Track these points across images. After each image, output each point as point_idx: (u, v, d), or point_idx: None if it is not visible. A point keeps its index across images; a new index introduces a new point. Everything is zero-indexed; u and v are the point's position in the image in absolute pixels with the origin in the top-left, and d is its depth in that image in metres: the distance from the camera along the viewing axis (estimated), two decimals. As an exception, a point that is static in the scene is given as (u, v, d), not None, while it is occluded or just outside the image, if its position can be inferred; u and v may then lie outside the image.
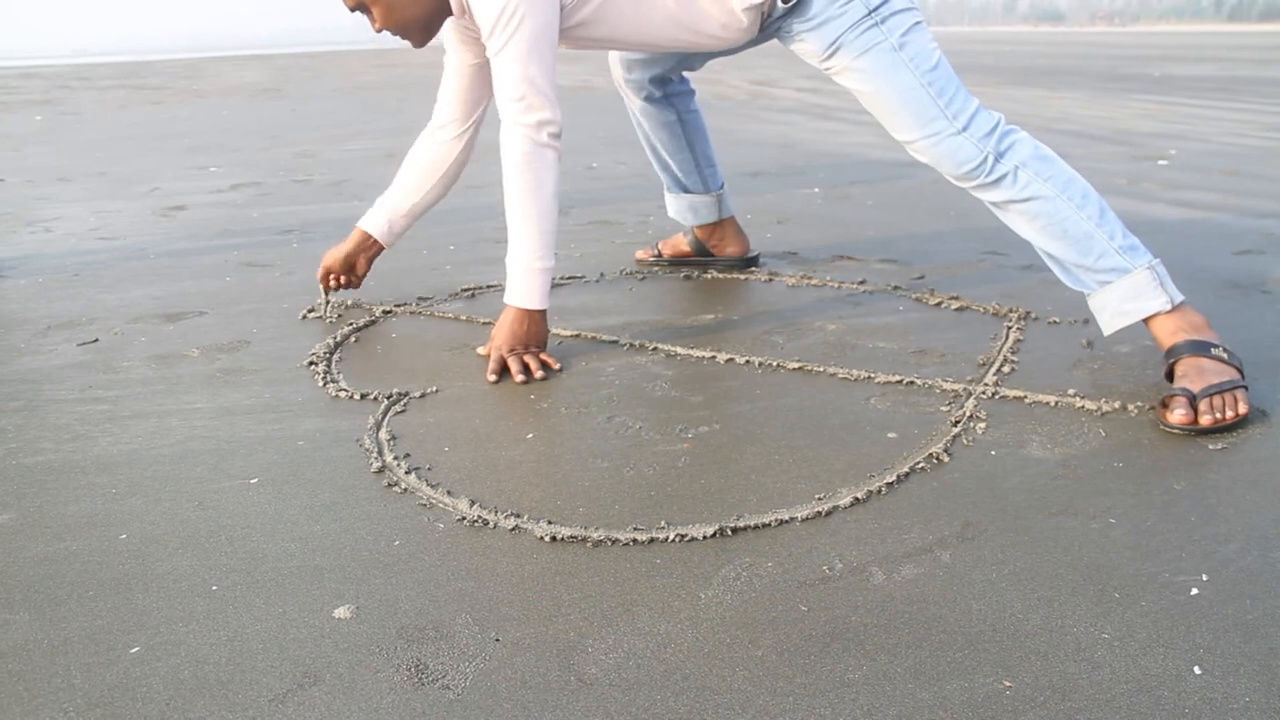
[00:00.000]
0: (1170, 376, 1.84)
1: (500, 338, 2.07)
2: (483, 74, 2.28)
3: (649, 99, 2.62)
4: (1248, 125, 6.41)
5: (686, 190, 2.77)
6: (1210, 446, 1.65)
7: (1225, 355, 1.80)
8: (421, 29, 2.04)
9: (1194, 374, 1.77)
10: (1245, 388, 1.76)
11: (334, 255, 2.48)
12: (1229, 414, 1.70)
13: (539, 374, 2.03)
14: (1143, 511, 1.45)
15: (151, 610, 1.25)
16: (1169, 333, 1.87)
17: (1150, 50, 16.85)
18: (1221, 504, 1.47)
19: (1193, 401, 1.71)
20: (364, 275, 2.52)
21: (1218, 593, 1.25)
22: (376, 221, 2.45)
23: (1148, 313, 1.88)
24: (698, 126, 2.71)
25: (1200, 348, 1.82)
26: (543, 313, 2.08)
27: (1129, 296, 1.89)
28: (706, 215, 2.80)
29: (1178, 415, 1.70)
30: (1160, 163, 4.70)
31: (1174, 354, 1.84)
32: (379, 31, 2.00)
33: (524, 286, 2.05)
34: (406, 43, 2.09)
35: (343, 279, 2.51)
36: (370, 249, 2.47)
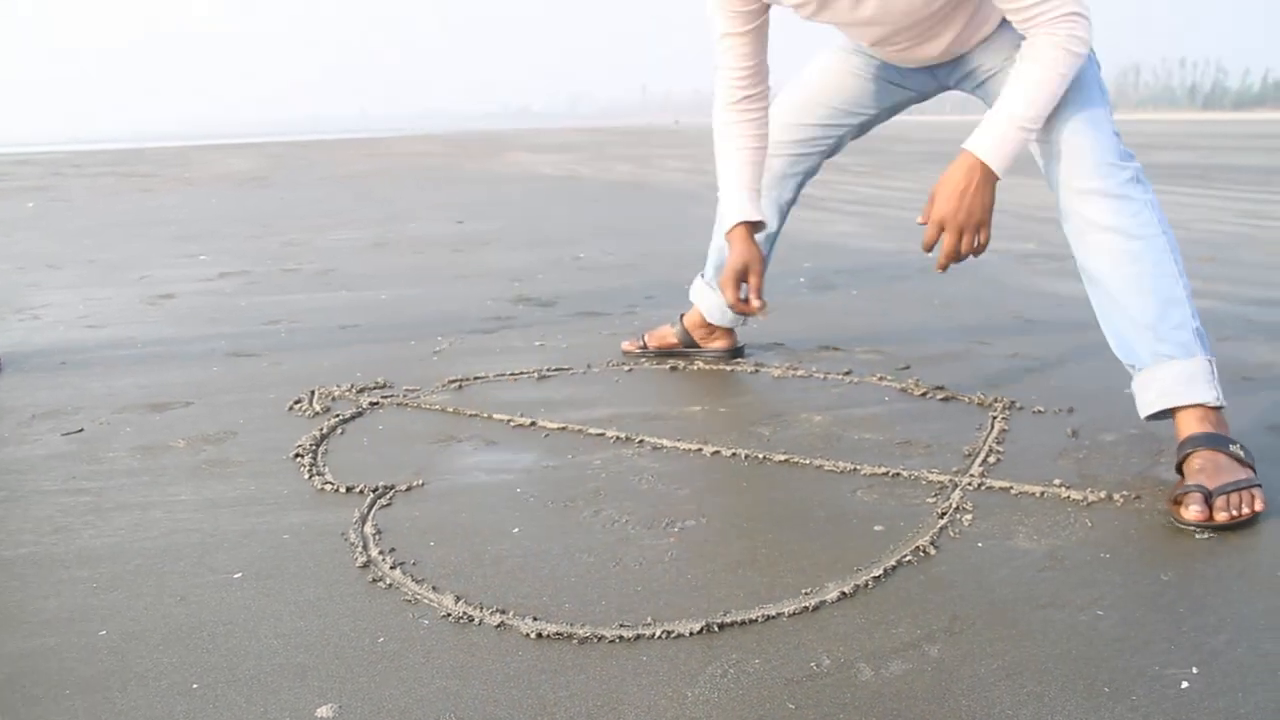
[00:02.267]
0: (1180, 468, 1.81)
1: (943, 203, 1.93)
2: (758, 39, 2.23)
3: (780, 209, 2.64)
4: (1224, 212, 6.52)
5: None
6: (1198, 536, 1.66)
7: (1241, 453, 1.79)
8: None
9: (1211, 469, 1.75)
10: (1260, 485, 1.74)
11: (743, 261, 2.30)
12: (1245, 510, 1.69)
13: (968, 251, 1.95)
14: (1131, 603, 1.44)
15: (130, 710, 1.23)
16: (1191, 425, 1.84)
17: (1128, 138, 17.09)
18: (1210, 595, 1.47)
19: (1208, 498, 1.70)
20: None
21: (1209, 686, 1.24)
22: (753, 206, 2.32)
23: (1197, 400, 1.84)
24: (776, 243, 2.73)
25: (1219, 442, 1.80)
26: (993, 183, 1.93)
27: (1185, 380, 1.86)
28: (732, 321, 2.80)
29: (1192, 512, 1.68)
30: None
31: (1191, 445, 1.81)
32: None
33: (998, 139, 1.90)
34: None
35: (754, 287, 2.32)
36: (756, 234, 2.36)
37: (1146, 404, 1.92)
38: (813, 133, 2.50)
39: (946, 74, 2.26)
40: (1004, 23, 2.08)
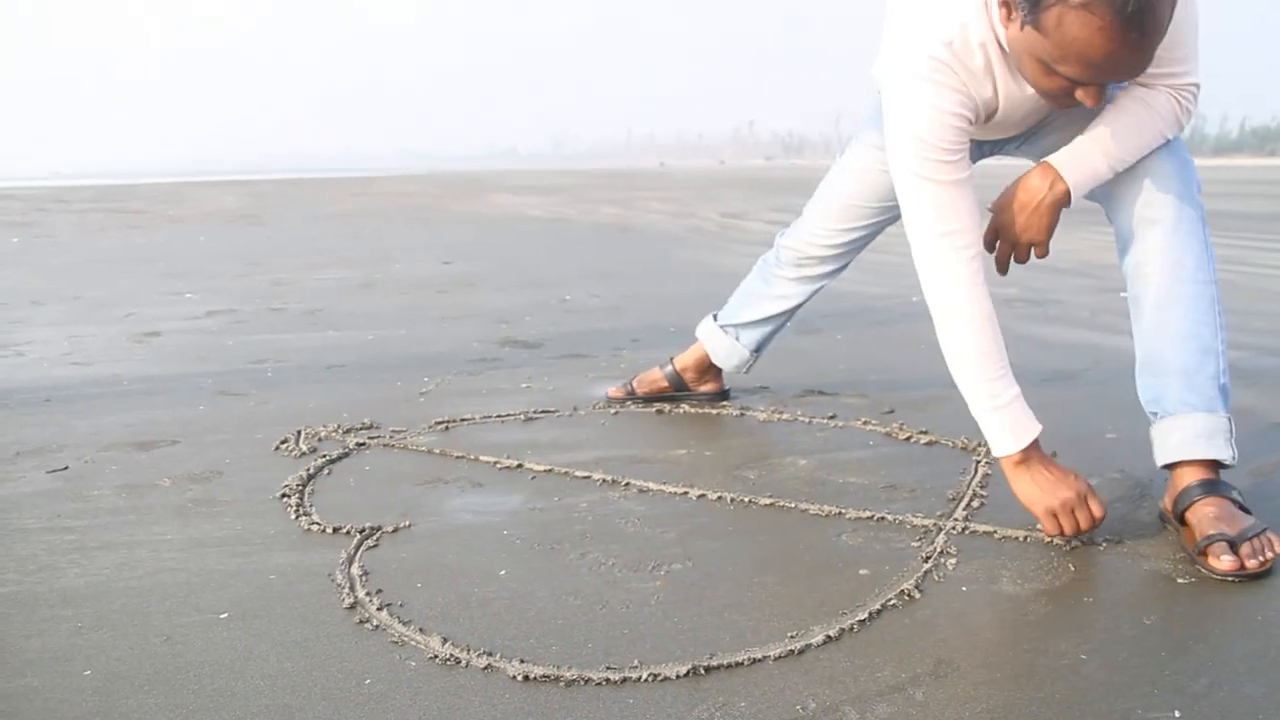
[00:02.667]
0: (1183, 516, 1.80)
1: (1006, 214, 1.88)
2: (969, 186, 1.83)
3: (819, 277, 2.57)
4: (1206, 262, 6.58)
5: (739, 340, 2.73)
6: (1179, 580, 1.67)
7: (1241, 500, 1.80)
8: None
9: (1226, 518, 1.74)
10: (1269, 528, 1.74)
11: (1073, 478, 1.82)
12: (1268, 555, 1.69)
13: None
14: (1114, 646, 1.45)
15: (115, 751, 1.23)
16: (1195, 474, 1.84)
17: (1110, 187, 17.26)
18: (1192, 638, 1.48)
19: (1232, 545, 1.70)
20: None
21: (1190, 733, 1.25)
22: (1029, 420, 1.88)
23: (1214, 455, 1.83)
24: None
25: (1225, 489, 1.80)
26: (1061, 207, 1.84)
27: (1206, 434, 1.84)
28: (738, 367, 2.78)
29: (1227, 562, 1.67)
30: (1122, 295, 4.81)
31: (1199, 491, 1.79)
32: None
33: (1085, 167, 1.81)
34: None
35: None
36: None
37: (1165, 452, 1.89)
38: (858, 233, 2.43)
39: (992, 146, 2.15)
40: None
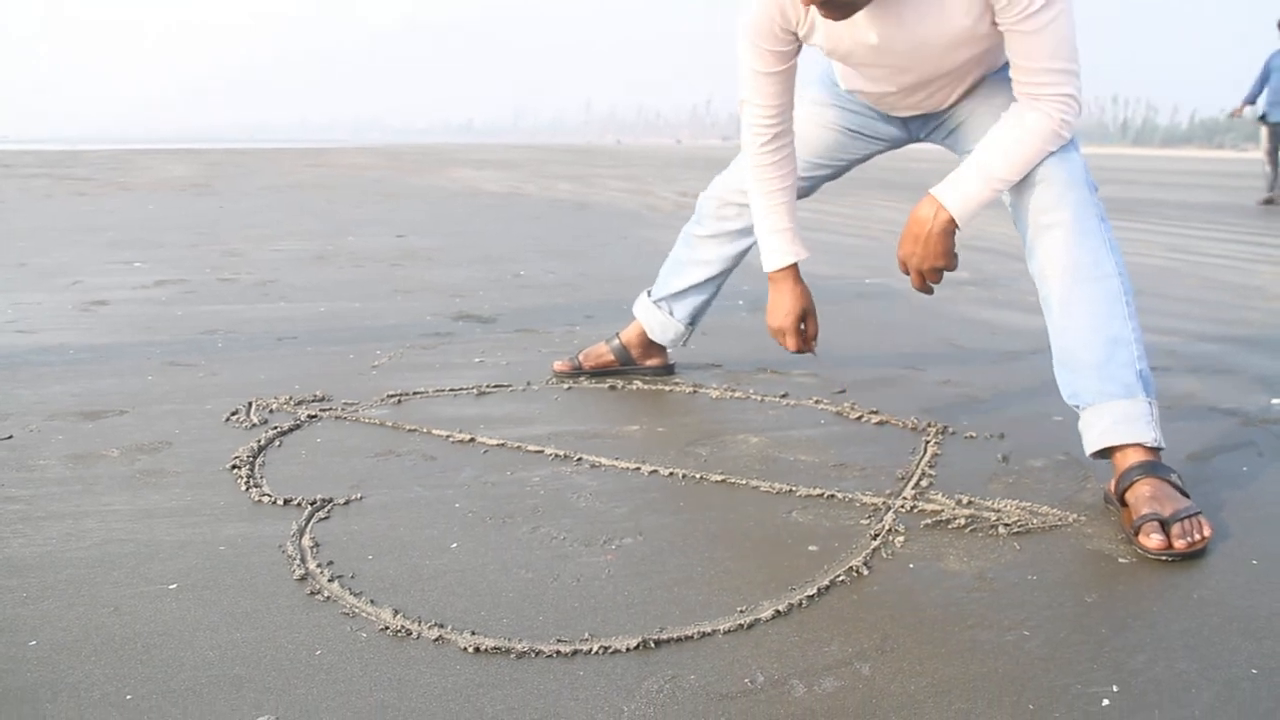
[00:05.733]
0: (1123, 497, 1.85)
1: (905, 245, 2.03)
2: (792, 75, 2.16)
3: (738, 234, 2.66)
4: (1150, 245, 6.68)
5: (673, 315, 2.79)
6: (1121, 560, 1.71)
7: (1179, 482, 1.84)
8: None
9: (1161, 498, 1.79)
10: (1202, 512, 1.78)
11: (801, 304, 2.37)
12: (1197, 537, 1.73)
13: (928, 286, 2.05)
14: (1056, 624, 1.48)
15: (62, 721, 1.22)
16: (1132, 456, 1.88)
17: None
18: (1131, 616, 1.51)
19: (1164, 525, 1.74)
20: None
21: (1128, 703, 1.28)
22: (798, 245, 2.34)
23: (1134, 439, 1.88)
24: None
25: (1161, 470, 1.85)
26: (954, 230, 1.99)
27: (1125, 419, 1.90)
28: (673, 342, 2.85)
29: (1156, 541, 1.72)
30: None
31: (1137, 473, 1.84)
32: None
33: (967, 193, 1.95)
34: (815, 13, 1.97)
35: (812, 331, 2.41)
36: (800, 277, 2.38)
37: (1089, 443, 1.96)
38: None
39: (919, 126, 2.30)
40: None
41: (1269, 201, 11.02)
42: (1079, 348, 1.95)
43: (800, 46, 2.11)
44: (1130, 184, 16.03)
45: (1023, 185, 1.98)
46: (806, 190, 2.57)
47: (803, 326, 2.38)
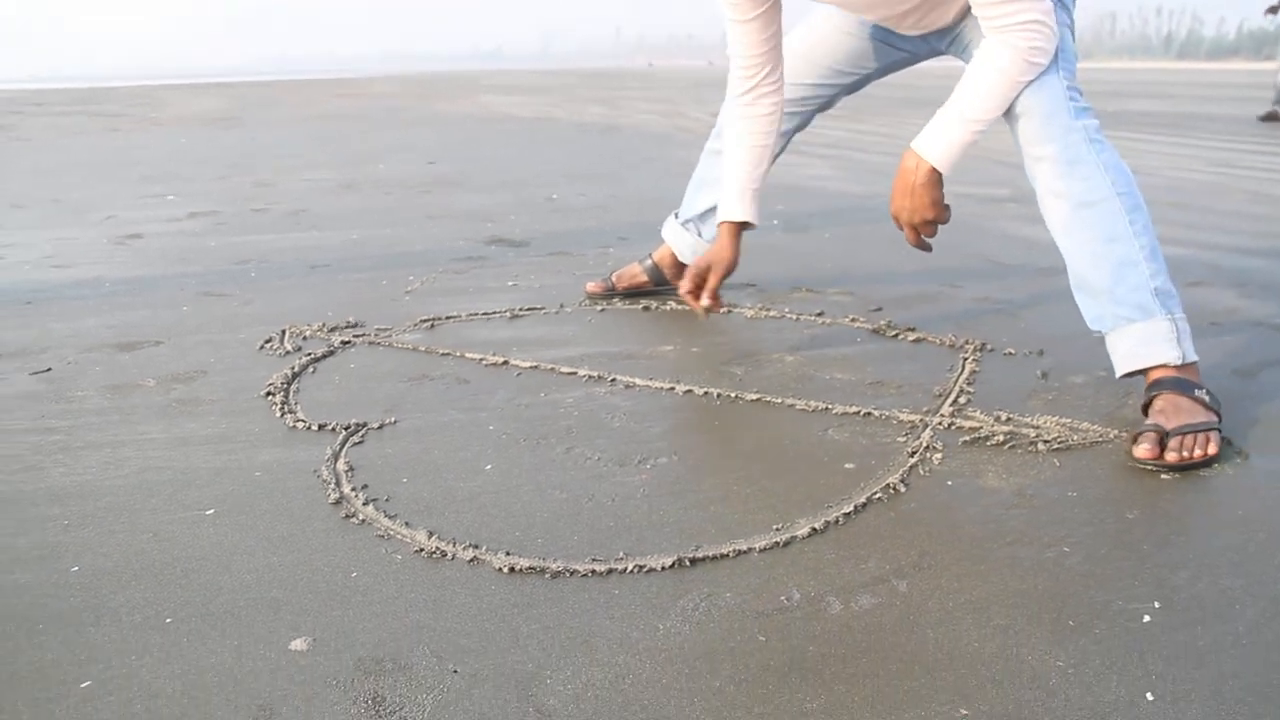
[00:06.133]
0: (1146, 410, 1.84)
1: (895, 200, 2.01)
2: (768, 24, 2.16)
3: (789, 130, 2.60)
4: (1195, 160, 6.54)
5: (700, 236, 2.76)
6: (1163, 476, 1.68)
7: (1206, 398, 1.81)
8: None
9: (1171, 411, 1.78)
10: (1219, 431, 1.76)
11: (713, 259, 2.32)
12: (1197, 453, 1.71)
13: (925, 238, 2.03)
14: (1097, 540, 1.47)
15: (103, 644, 1.24)
16: (1159, 373, 1.87)
17: (1103, 86, 17.16)
18: (1174, 532, 1.49)
19: (1163, 438, 1.73)
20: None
21: (1169, 620, 1.27)
22: (746, 206, 2.31)
23: (1156, 361, 1.87)
24: None
25: (1183, 386, 1.82)
26: (939, 179, 1.97)
27: (1144, 341, 1.88)
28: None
29: (1143, 449, 1.72)
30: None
31: (1155, 389, 1.85)
32: None
33: (945, 140, 1.93)
34: None
35: (711, 286, 2.32)
36: (739, 239, 2.36)
37: (1116, 367, 1.95)
38: (806, 92, 2.49)
39: (939, 39, 2.24)
40: None
41: (1271, 117, 10.48)
42: (1089, 275, 1.92)
43: None
44: (1175, 98, 15.68)
45: (1009, 118, 1.95)
46: (824, 105, 2.54)
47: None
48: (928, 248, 2.07)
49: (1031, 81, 1.89)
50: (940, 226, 2.02)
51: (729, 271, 2.33)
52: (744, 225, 2.33)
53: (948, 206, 2.00)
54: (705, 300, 2.30)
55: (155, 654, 1.22)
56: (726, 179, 2.32)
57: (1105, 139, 1.94)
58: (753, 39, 2.17)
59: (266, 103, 16.16)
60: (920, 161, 1.95)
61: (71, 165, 6.80)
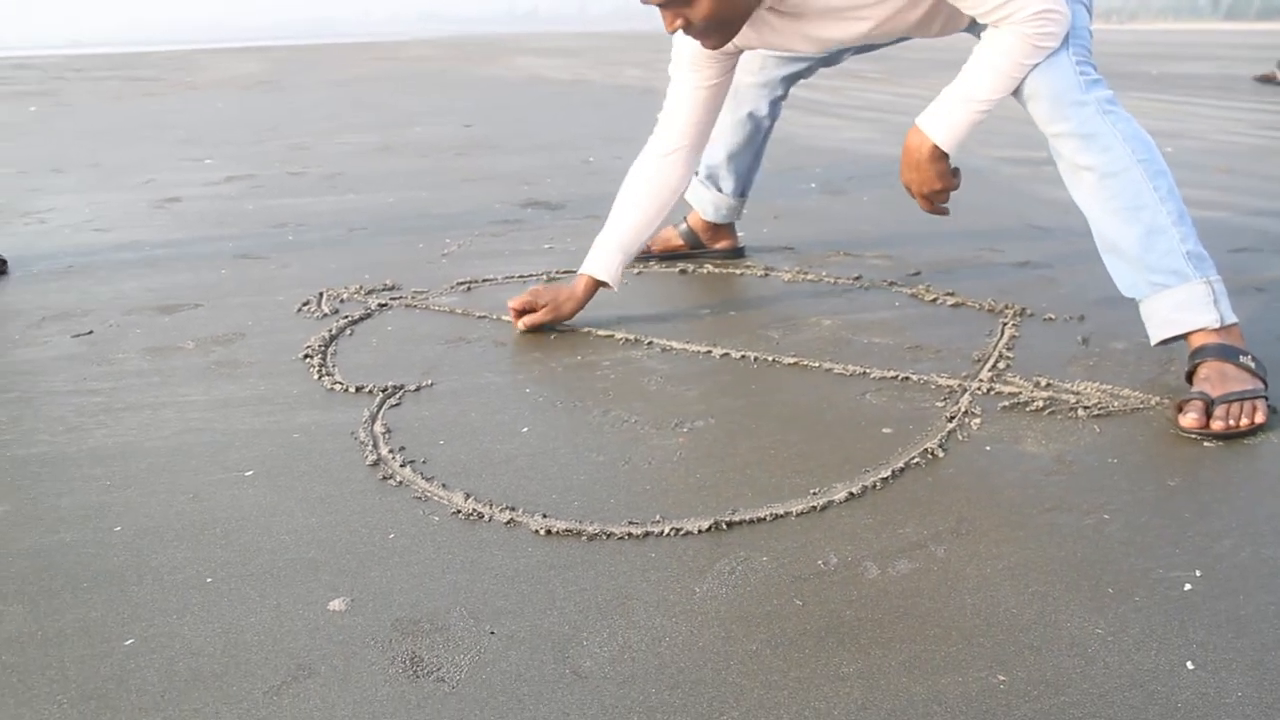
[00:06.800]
0: (1190, 379, 1.82)
1: (904, 172, 1.99)
2: (717, 95, 2.22)
3: (772, 102, 2.63)
4: (1243, 124, 6.42)
5: (720, 189, 2.76)
6: (1206, 444, 1.66)
7: (1252, 365, 1.79)
8: (738, 24, 1.91)
9: (1216, 379, 1.76)
10: (1266, 399, 1.74)
11: (562, 310, 2.28)
12: (1244, 421, 1.69)
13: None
14: (1137, 508, 1.45)
15: (146, 603, 1.26)
16: (1201, 339, 1.85)
17: (1148, 48, 16.84)
18: (1216, 500, 1.47)
19: (1209, 406, 1.71)
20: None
21: (1211, 589, 1.25)
22: (610, 266, 2.28)
23: (1194, 326, 1.84)
24: (770, 136, 2.73)
25: (1227, 353, 1.80)
26: (944, 155, 1.93)
27: (1180, 306, 1.85)
28: (727, 216, 2.81)
29: (1190, 419, 1.69)
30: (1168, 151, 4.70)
31: (1199, 356, 1.82)
32: (679, 29, 1.86)
33: (950, 121, 1.90)
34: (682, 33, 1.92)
35: (529, 322, 2.27)
36: (591, 295, 2.32)
37: (1152, 334, 1.92)
38: (779, 68, 2.52)
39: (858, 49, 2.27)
40: None
41: (1267, 78, 10.04)
42: (1119, 243, 1.89)
43: (739, 53, 2.19)
44: (1224, 60, 15.38)
45: (1021, 99, 1.91)
46: (828, 60, 2.51)
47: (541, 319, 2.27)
48: (944, 212, 2.05)
49: (1039, 63, 1.86)
50: (954, 198, 2.00)
51: (557, 320, 2.28)
52: (601, 284, 2.30)
53: (957, 172, 1.97)
54: (521, 325, 2.26)
55: (196, 613, 1.23)
56: (609, 231, 2.31)
57: (1120, 108, 1.90)
58: (697, 109, 2.21)
59: (302, 66, 16.17)
60: (924, 139, 1.92)
61: (110, 129, 6.85)
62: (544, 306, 2.26)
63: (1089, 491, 1.51)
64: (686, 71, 2.18)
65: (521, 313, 2.27)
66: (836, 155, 4.91)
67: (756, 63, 2.56)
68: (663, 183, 2.29)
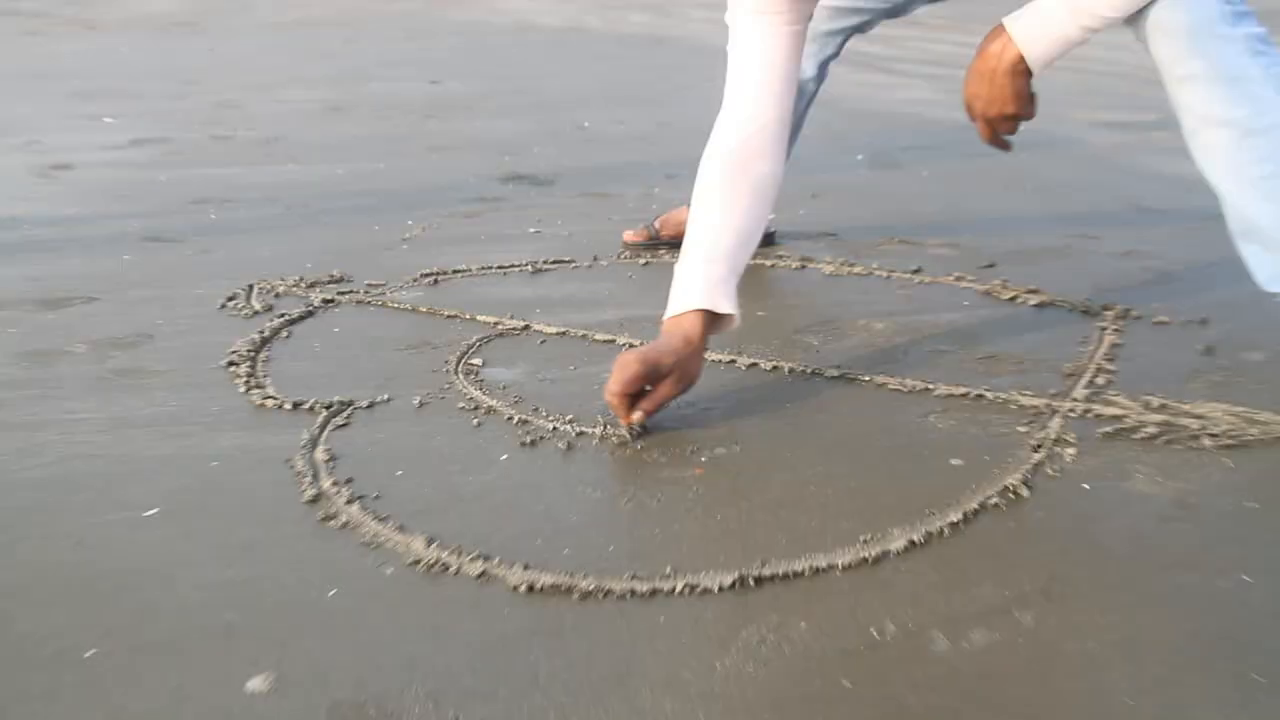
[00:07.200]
0: None
1: (970, 83, 1.93)
2: (798, 44, 2.03)
3: (821, 62, 2.65)
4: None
5: None
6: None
7: None
8: None
9: None
10: None
11: (688, 369, 1.86)
12: None
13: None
14: (1285, 567, 1.43)
15: (4, 682, 1.23)
16: None
17: None
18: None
19: None
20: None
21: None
22: (727, 290, 1.90)
23: None
24: (815, 101, 2.76)
25: None
26: (1027, 71, 1.86)
27: None
28: None
29: None
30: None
31: None
32: None
33: (1046, 29, 1.82)
34: None
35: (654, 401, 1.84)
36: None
37: None
38: (835, 21, 2.54)
39: None
40: None
41: None
42: (1260, 220, 1.85)
43: None
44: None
45: (1140, 31, 1.84)
46: (895, 10, 2.53)
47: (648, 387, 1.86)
48: (1006, 146, 2.00)
49: None
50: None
51: (688, 385, 1.89)
52: (720, 318, 1.92)
53: (1034, 97, 1.92)
54: (638, 415, 1.82)
55: (70, 696, 1.21)
56: (699, 246, 1.95)
57: (1275, 50, 1.84)
58: (779, 64, 2.03)
59: (234, 5, 16.27)
60: (1009, 46, 1.85)
61: (-12, 80, 6.87)
62: (666, 377, 1.83)
63: (1221, 544, 1.48)
64: (754, 15, 2.01)
65: (633, 399, 1.83)
66: (889, 120, 4.94)
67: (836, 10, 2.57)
68: (756, 168, 2.02)
